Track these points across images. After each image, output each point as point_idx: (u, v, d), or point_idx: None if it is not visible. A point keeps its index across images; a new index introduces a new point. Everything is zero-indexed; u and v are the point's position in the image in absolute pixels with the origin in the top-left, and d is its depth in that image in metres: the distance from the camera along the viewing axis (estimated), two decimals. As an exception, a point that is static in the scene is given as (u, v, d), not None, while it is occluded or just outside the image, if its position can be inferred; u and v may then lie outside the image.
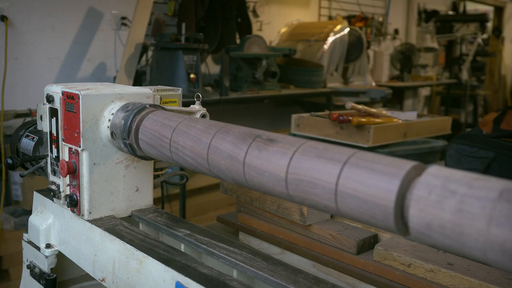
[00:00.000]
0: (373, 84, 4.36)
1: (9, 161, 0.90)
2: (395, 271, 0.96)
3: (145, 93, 0.93)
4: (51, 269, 0.99)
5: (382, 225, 0.52)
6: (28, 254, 1.04)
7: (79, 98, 0.86)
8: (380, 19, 4.96)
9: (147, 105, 0.86)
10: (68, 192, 0.92)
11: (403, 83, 4.92)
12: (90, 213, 0.92)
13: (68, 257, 0.97)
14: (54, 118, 0.93)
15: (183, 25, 2.77)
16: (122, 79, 2.64)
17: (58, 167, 0.92)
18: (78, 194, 0.91)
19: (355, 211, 0.53)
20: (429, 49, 5.62)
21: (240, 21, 3.50)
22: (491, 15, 7.11)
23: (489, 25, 6.92)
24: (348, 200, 0.53)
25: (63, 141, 0.91)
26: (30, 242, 1.03)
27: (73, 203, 0.90)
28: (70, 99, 0.88)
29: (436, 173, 0.48)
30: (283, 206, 1.13)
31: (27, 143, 1.00)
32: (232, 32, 3.40)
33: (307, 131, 2.21)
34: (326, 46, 3.77)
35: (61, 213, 0.97)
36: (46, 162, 0.97)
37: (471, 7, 7.29)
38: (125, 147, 0.86)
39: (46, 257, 0.99)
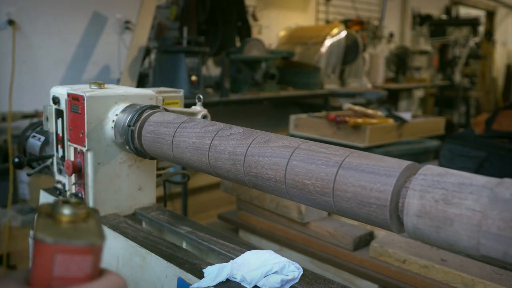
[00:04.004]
0: (369, 86, 4.40)
1: (17, 160, 0.93)
2: (390, 267, 0.98)
3: (148, 94, 0.95)
4: (56, 266, 1.01)
5: (378, 222, 0.53)
6: (34, 252, 1.06)
7: (84, 99, 0.88)
8: (376, 22, 5.00)
9: (150, 106, 0.89)
10: (73, 191, 0.95)
11: (398, 85, 4.96)
12: (94, 211, 0.94)
13: (73, 254, 0.99)
14: (60, 119, 0.95)
15: (185, 28, 2.81)
16: (125, 81, 2.67)
17: (63, 166, 0.95)
18: (83, 192, 0.93)
19: (352, 209, 0.55)
20: (423, 52, 5.68)
21: (240, 25, 3.53)
22: (483, 19, 7.18)
23: (481, 28, 7.00)
24: (345, 198, 0.55)
25: (69, 141, 0.93)
26: (35, 240, 1.05)
27: (78, 201, 0.93)
28: (76, 100, 0.90)
29: (430, 172, 0.50)
30: (282, 204, 1.15)
31: (33, 143, 1.02)
32: (232, 35, 3.43)
33: (305, 131, 2.24)
34: (323, 49, 3.81)
35: (66, 211, 0.99)
36: (52, 161, 1.00)
37: (464, 11, 7.36)
38: (129, 147, 0.88)
39: (52, 254, 1.00)
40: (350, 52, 4.03)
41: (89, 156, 0.91)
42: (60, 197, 0.98)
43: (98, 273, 0.39)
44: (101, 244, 0.38)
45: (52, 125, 0.97)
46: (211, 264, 0.76)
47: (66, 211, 0.39)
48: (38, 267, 0.37)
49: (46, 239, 0.36)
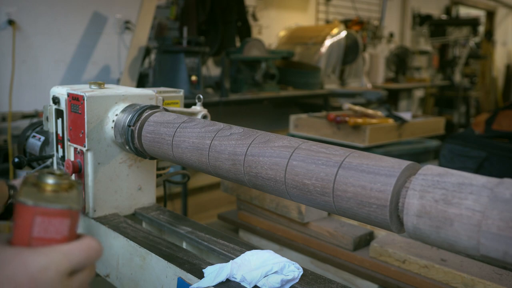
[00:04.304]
0: (369, 85, 4.40)
1: (17, 160, 0.93)
2: (390, 267, 0.98)
3: (148, 94, 0.96)
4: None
5: (378, 222, 0.54)
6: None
7: (84, 99, 0.88)
8: (376, 22, 5.01)
9: (150, 106, 0.89)
10: (73, 191, 0.95)
11: (398, 85, 4.97)
12: (94, 211, 0.95)
13: (73, 254, 0.99)
14: (60, 119, 0.95)
15: (185, 28, 2.81)
16: (125, 81, 2.68)
17: (63, 166, 0.95)
18: (83, 192, 0.93)
19: (352, 209, 0.55)
20: (423, 52, 5.69)
21: (240, 25, 3.54)
22: (483, 19, 7.21)
23: (481, 28, 7.02)
24: (345, 198, 0.55)
25: (69, 141, 0.94)
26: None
27: (79, 201, 0.93)
28: (75, 100, 0.90)
29: (430, 172, 0.50)
30: (282, 204, 1.15)
31: (33, 143, 1.02)
32: (232, 35, 3.44)
33: (305, 131, 2.24)
34: (323, 49, 3.81)
35: (66, 211, 1.00)
36: (52, 161, 1.00)
37: (464, 11, 7.38)
38: (129, 147, 0.89)
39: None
40: (350, 52, 4.04)
41: (89, 156, 0.91)
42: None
43: (75, 236, 0.42)
44: (78, 209, 0.41)
45: (52, 125, 0.98)
46: (211, 264, 0.76)
47: (50, 180, 0.42)
48: (19, 227, 0.40)
49: (27, 202, 0.39)
